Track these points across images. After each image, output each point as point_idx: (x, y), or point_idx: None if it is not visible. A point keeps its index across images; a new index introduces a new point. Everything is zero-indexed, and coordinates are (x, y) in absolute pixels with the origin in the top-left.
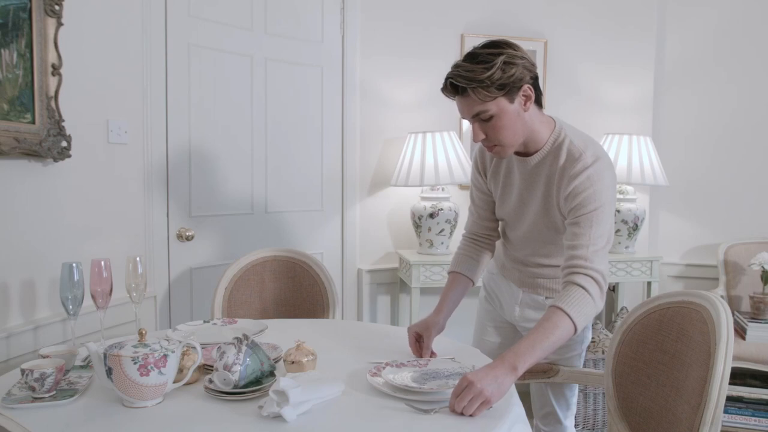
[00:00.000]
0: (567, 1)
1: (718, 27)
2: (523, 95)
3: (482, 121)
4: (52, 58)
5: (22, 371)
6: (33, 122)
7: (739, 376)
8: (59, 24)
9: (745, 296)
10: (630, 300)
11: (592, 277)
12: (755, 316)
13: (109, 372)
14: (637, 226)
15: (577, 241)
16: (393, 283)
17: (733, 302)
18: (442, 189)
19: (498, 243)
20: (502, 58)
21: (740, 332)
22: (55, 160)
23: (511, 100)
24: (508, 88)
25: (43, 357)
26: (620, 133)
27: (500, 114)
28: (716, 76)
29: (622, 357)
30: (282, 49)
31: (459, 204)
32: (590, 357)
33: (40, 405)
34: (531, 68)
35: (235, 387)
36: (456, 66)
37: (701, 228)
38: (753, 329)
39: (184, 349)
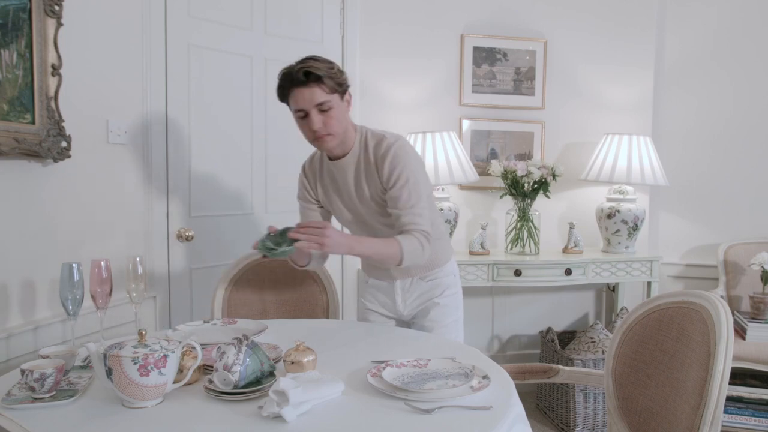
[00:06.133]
0: (567, 1)
1: (718, 27)
2: (347, 98)
3: (322, 111)
4: (51, 58)
5: (22, 371)
6: (33, 122)
7: (739, 376)
8: (59, 24)
9: (745, 296)
10: (630, 300)
11: (424, 236)
12: (755, 316)
13: (109, 372)
14: (637, 226)
15: (404, 209)
16: None
17: (733, 302)
18: (442, 189)
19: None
20: (337, 65)
21: (740, 332)
22: (55, 160)
23: (342, 99)
24: (342, 89)
25: (43, 357)
26: (620, 133)
27: (337, 107)
28: (716, 76)
29: (622, 357)
30: (282, 50)
31: (459, 204)
32: (590, 357)
33: (40, 405)
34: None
35: (235, 387)
36: (303, 61)
37: (701, 228)
38: (753, 329)
39: (184, 350)
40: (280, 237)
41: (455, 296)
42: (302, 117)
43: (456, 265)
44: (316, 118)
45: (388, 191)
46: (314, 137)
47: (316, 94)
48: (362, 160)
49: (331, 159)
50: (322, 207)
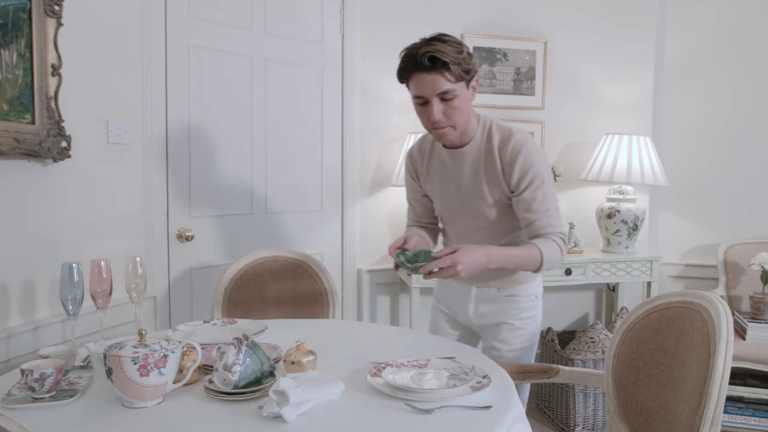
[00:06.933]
0: (567, 1)
1: (718, 27)
2: (473, 85)
3: (444, 101)
4: (51, 58)
5: (22, 371)
6: (33, 122)
7: (739, 376)
8: (59, 24)
9: (745, 296)
10: (630, 300)
11: (561, 239)
12: (755, 316)
13: (109, 372)
14: (637, 226)
15: (538, 212)
16: (393, 283)
17: (733, 302)
18: None
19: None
20: (466, 48)
21: (740, 332)
22: (55, 160)
23: (467, 87)
24: (470, 75)
25: (43, 357)
26: (620, 133)
27: (460, 96)
28: (716, 76)
29: (622, 357)
30: (282, 49)
31: None
32: (590, 357)
33: (40, 405)
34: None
35: (235, 387)
36: (429, 42)
37: (701, 228)
38: (753, 329)
39: (184, 350)
40: (414, 257)
41: (533, 321)
42: (422, 104)
43: (541, 287)
44: (437, 108)
45: (519, 194)
46: (433, 127)
47: (440, 82)
48: (483, 153)
49: (446, 146)
50: (425, 196)
